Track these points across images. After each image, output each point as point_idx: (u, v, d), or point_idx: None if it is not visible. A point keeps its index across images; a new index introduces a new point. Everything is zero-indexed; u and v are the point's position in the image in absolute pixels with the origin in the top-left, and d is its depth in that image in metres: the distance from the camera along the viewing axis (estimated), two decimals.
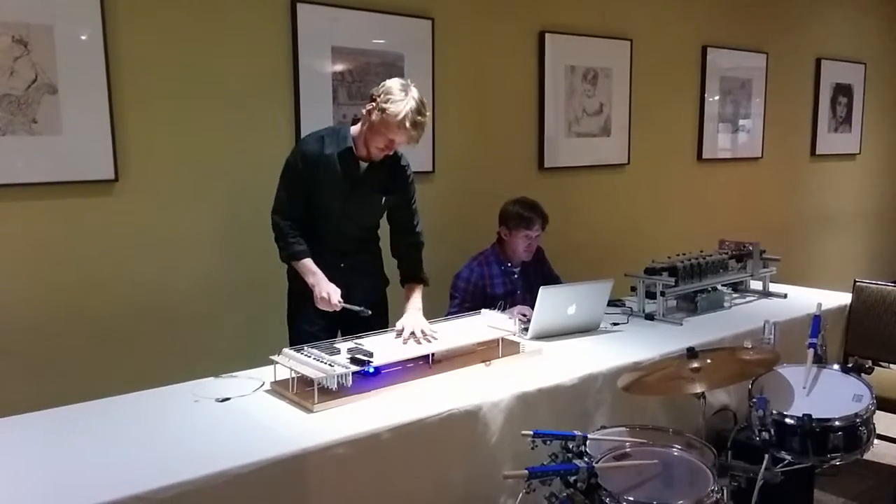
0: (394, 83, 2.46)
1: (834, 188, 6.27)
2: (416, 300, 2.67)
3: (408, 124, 2.42)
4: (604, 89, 4.39)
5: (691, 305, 3.25)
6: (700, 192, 5.12)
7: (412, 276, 2.75)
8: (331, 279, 2.58)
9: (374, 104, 2.47)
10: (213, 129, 3.03)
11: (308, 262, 2.58)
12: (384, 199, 2.69)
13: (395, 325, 2.59)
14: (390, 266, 2.86)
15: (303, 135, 3.20)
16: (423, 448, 2.07)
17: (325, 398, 2.10)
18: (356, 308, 2.54)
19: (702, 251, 3.41)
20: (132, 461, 1.79)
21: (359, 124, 2.59)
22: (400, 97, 2.42)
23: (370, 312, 2.57)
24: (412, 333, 2.50)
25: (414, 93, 2.46)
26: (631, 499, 1.85)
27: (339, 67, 3.32)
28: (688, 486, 1.95)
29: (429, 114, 2.51)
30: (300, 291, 2.64)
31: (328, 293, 2.51)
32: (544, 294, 2.75)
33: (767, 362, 2.29)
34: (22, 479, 1.72)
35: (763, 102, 5.44)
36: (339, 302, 2.52)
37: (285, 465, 1.82)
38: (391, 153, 2.59)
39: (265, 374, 2.34)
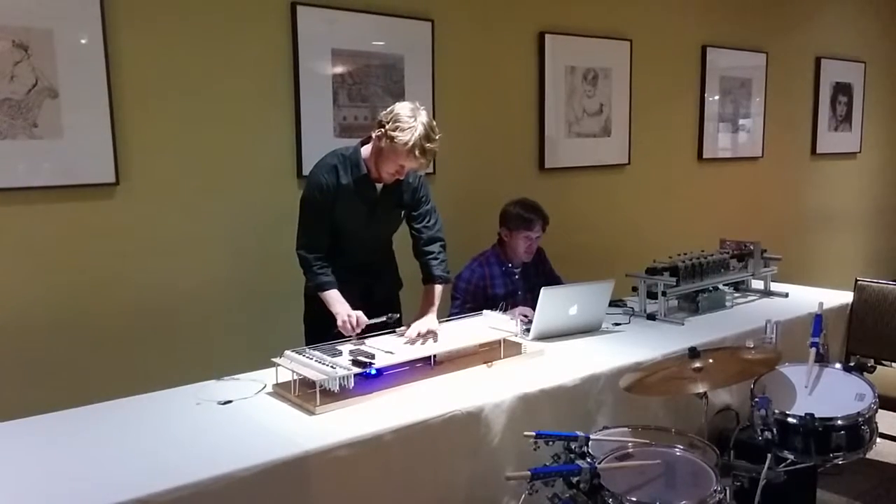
0: (402, 109, 2.44)
1: (834, 187, 6.26)
2: (429, 301, 2.66)
3: (417, 152, 2.40)
4: (604, 90, 4.39)
5: (693, 305, 3.25)
6: (700, 192, 5.11)
7: (427, 275, 2.73)
8: (352, 284, 2.59)
9: (382, 130, 2.44)
10: (214, 132, 3.04)
11: (334, 293, 2.56)
12: (402, 211, 2.72)
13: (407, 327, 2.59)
14: (404, 269, 2.87)
15: (303, 137, 3.22)
16: (426, 449, 2.07)
17: (327, 400, 2.10)
18: (380, 320, 2.52)
19: (703, 251, 3.40)
20: (134, 464, 1.79)
21: (369, 145, 2.57)
22: (408, 124, 2.39)
23: (398, 315, 2.58)
24: (413, 334, 2.50)
25: (423, 117, 2.43)
26: (634, 499, 1.85)
27: (339, 69, 3.32)
28: (690, 486, 1.95)
29: (439, 137, 2.47)
30: (320, 311, 2.60)
31: (354, 316, 2.47)
32: (546, 295, 2.75)
33: (769, 362, 2.29)
34: (24, 483, 1.72)
35: (763, 102, 5.44)
36: (365, 320, 2.48)
37: (287, 467, 1.82)
38: (402, 177, 2.58)
39: (267, 376, 2.34)
